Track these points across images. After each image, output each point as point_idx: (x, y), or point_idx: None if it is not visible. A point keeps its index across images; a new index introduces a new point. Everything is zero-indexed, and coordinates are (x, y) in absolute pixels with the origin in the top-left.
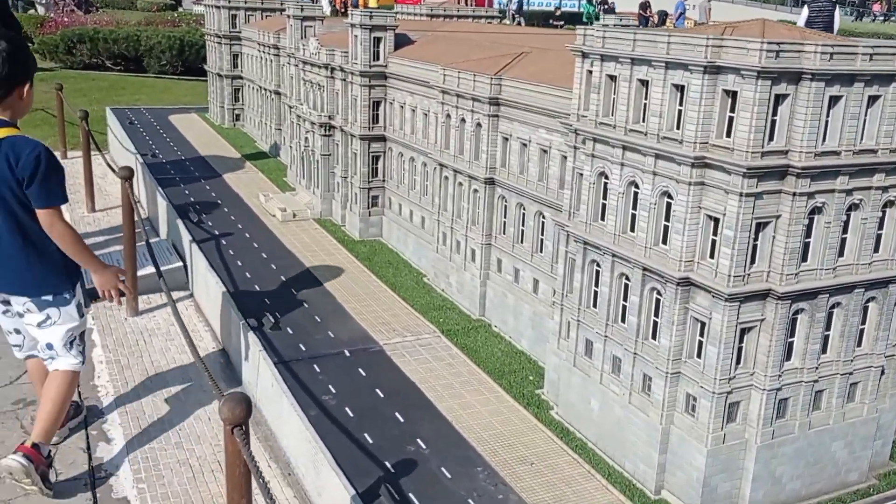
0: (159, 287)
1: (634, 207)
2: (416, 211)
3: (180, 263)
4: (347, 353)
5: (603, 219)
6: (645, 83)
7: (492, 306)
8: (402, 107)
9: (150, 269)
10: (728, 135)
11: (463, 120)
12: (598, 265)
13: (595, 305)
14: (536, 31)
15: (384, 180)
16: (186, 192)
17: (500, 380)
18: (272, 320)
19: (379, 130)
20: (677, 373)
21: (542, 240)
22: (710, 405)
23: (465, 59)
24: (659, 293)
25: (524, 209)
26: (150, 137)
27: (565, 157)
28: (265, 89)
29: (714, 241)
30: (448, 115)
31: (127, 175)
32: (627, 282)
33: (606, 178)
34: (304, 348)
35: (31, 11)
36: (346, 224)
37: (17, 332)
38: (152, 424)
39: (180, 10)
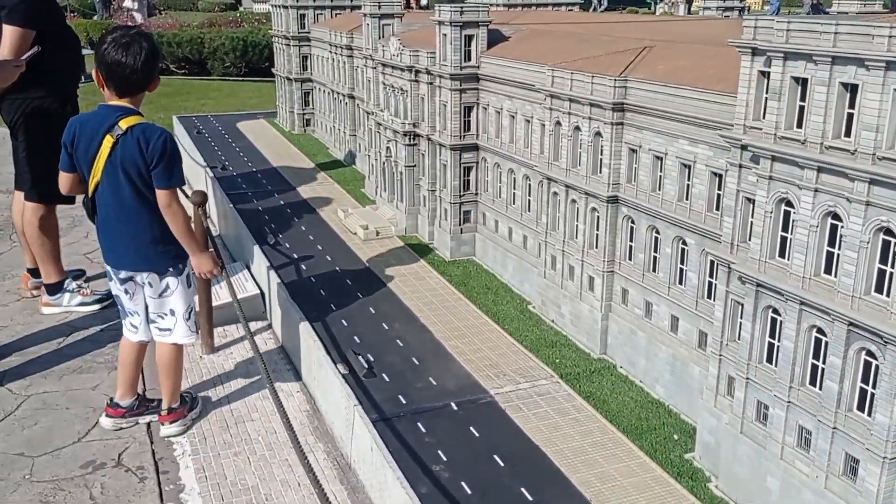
0: (235, 318)
1: (833, 245)
2: (516, 229)
3: (257, 291)
4: (455, 407)
5: (784, 256)
6: (852, 88)
7: (616, 344)
8: (498, 112)
9: (227, 299)
10: None
11: (578, 128)
12: (778, 313)
13: (772, 362)
14: (645, 20)
15: (477, 194)
16: (260, 208)
17: (640, 440)
18: (365, 365)
19: (471, 139)
20: None
21: (682, 270)
22: None
23: (574, 57)
24: (873, 356)
25: (658, 233)
26: (219, 148)
27: (717, 175)
28: (338, 93)
29: None
30: (558, 123)
31: (200, 201)
32: (822, 337)
33: (790, 206)
34: (404, 400)
35: (95, 17)
36: (434, 242)
37: (136, 313)
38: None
39: (241, 9)
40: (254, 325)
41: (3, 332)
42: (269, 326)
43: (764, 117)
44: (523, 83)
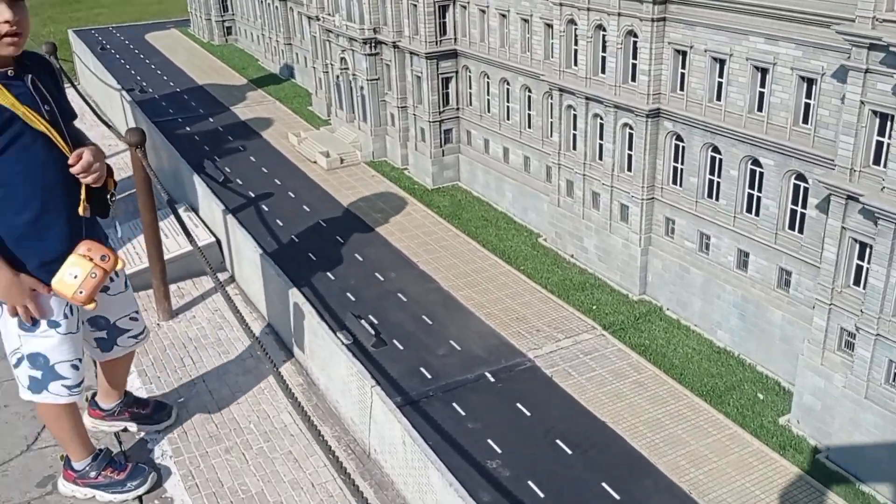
0: (188, 273)
1: None
2: (513, 149)
3: (212, 239)
4: (491, 377)
5: None
6: None
7: (660, 283)
8: (483, 12)
9: (177, 251)
10: None
11: (600, 27)
12: None
13: None
14: None
15: (458, 109)
16: (195, 136)
17: (721, 404)
18: (371, 332)
19: (449, 44)
20: None
21: (756, 197)
22: None
23: None
24: None
25: (718, 153)
26: (130, 66)
27: (807, 81)
28: None
29: None
30: (571, 22)
31: (139, 141)
32: None
33: None
34: (427, 374)
35: None
36: (409, 167)
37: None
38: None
39: None
40: (201, 282)
41: None
42: (233, 280)
43: None
44: None
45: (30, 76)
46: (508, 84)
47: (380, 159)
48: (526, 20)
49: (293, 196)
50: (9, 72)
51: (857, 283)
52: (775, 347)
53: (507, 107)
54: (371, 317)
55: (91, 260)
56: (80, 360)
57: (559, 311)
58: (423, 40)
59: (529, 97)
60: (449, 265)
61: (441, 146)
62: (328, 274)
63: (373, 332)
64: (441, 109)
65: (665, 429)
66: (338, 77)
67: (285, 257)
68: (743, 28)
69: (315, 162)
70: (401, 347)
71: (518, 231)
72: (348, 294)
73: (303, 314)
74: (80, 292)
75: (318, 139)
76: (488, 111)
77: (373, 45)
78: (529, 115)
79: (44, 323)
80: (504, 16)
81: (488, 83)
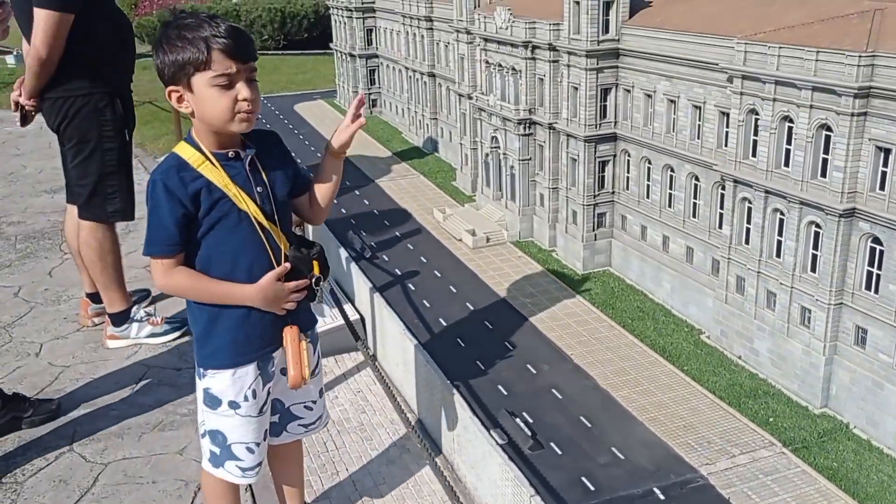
0: (330, 351)
1: None
2: (674, 237)
3: (357, 316)
4: (661, 494)
5: None
6: None
7: (846, 397)
8: (649, 97)
9: (323, 326)
10: None
11: (788, 119)
12: None
13: None
14: None
15: (614, 193)
16: (343, 209)
17: None
18: (528, 432)
19: (608, 128)
20: None
21: None
22: None
23: (761, 25)
24: None
25: None
26: (280, 136)
27: None
28: (414, 71)
29: None
30: (752, 111)
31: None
32: None
33: None
34: (590, 485)
35: None
36: (557, 249)
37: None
38: None
39: None
40: (343, 360)
41: (66, 374)
42: (374, 360)
43: None
44: (693, 60)
45: (249, 156)
46: (673, 171)
47: (526, 239)
48: (698, 107)
49: (439, 275)
50: (229, 153)
51: None
52: None
53: (669, 194)
54: (525, 415)
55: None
56: (258, 443)
57: (731, 422)
58: (581, 123)
59: (696, 186)
60: (605, 360)
61: (594, 230)
62: (478, 363)
63: (529, 432)
64: (596, 193)
65: None
66: (487, 155)
67: (433, 341)
68: None
69: (460, 240)
70: (559, 452)
71: (678, 325)
72: (500, 387)
73: (453, 405)
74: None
75: (464, 216)
76: (647, 197)
77: (527, 125)
78: (696, 204)
79: (224, 402)
80: (673, 102)
81: (649, 168)
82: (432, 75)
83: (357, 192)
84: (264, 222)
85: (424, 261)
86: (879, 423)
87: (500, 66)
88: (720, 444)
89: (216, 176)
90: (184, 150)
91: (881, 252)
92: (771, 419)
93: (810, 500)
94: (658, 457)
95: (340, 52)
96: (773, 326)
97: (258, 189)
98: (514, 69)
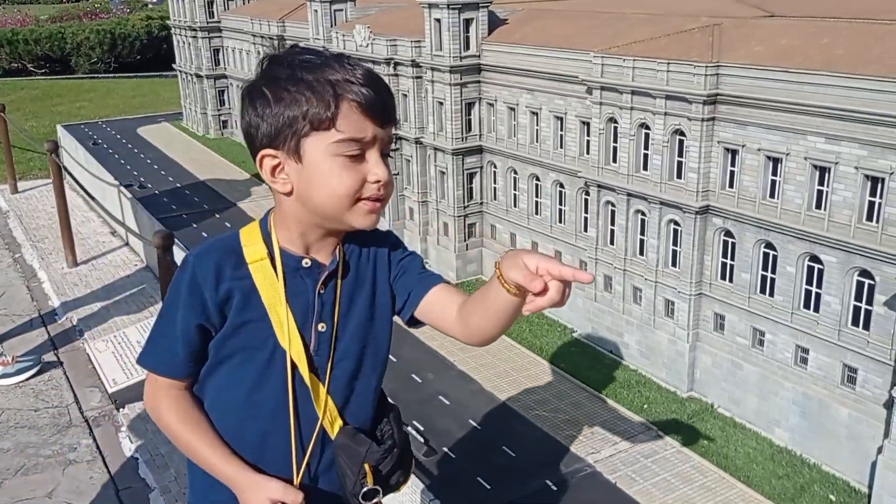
0: None
1: None
2: (542, 243)
3: None
4: (553, 486)
5: None
6: None
7: (710, 380)
8: (512, 109)
9: None
10: None
11: (645, 126)
12: None
13: None
14: None
15: (482, 203)
16: (204, 234)
17: None
18: (422, 441)
19: (474, 140)
20: None
21: (815, 293)
22: None
23: (614, 40)
24: None
25: (775, 250)
26: (125, 161)
27: (877, 180)
28: None
29: None
30: (611, 120)
31: (166, 243)
32: None
33: None
34: (487, 485)
35: None
36: (430, 261)
37: None
38: None
39: None
40: None
41: None
42: None
43: None
44: (553, 73)
45: (329, 269)
46: (539, 179)
47: None
48: (560, 118)
49: None
50: (305, 261)
51: None
52: (841, 446)
53: (536, 202)
54: (416, 423)
55: None
56: None
57: (610, 412)
58: (448, 136)
59: (562, 192)
60: (487, 364)
61: (465, 240)
62: None
63: (422, 439)
64: (465, 204)
65: None
66: None
67: None
68: (801, 128)
69: None
70: (453, 456)
71: (551, 326)
72: (389, 399)
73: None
74: None
75: None
76: (515, 206)
77: (394, 140)
78: (562, 209)
79: None
80: (535, 114)
81: (516, 178)
82: None
83: (217, 216)
84: (307, 378)
85: None
86: (740, 401)
87: None
88: (602, 434)
89: (267, 285)
90: (248, 235)
91: (733, 244)
92: (645, 406)
93: (687, 475)
94: (547, 451)
95: (185, 74)
96: (641, 320)
97: (319, 326)
98: None
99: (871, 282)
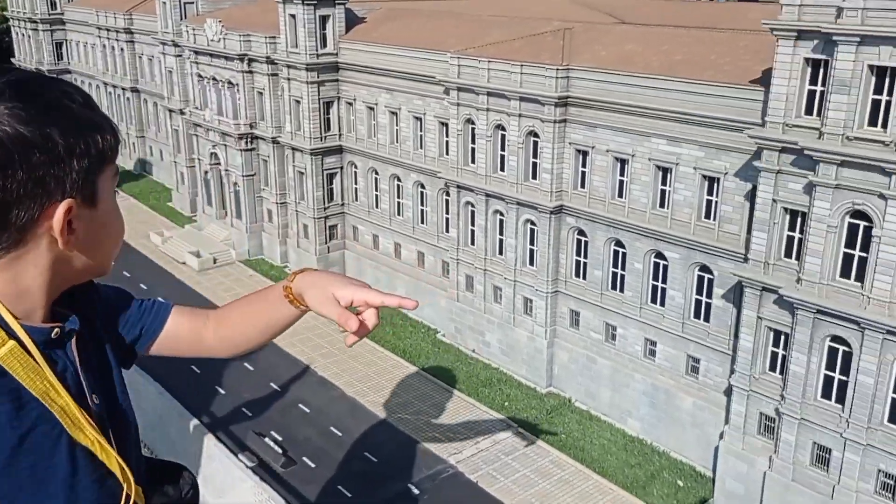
0: None
1: None
2: (405, 244)
3: None
4: (415, 489)
5: (852, 277)
6: None
7: (566, 375)
8: (371, 109)
9: None
10: None
11: (501, 127)
12: (845, 343)
13: (835, 398)
14: None
15: (344, 204)
16: None
17: (647, 497)
18: (280, 452)
19: (333, 140)
20: None
21: (661, 289)
22: None
23: (472, 41)
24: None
25: (623, 248)
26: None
27: (713, 180)
28: (115, 86)
29: None
30: (469, 121)
31: None
32: None
33: (865, 219)
34: (347, 492)
35: None
36: (290, 264)
37: None
38: None
39: None
40: None
41: None
42: None
43: (805, 113)
44: (411, 73)
45: (71, 329)
46: (400, 180)
47: (256, 257)
48: (419, 118)
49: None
50: (53, 332)
51: (773, 369)
52: (687, 434)
53: (398, 202)
54: (274, 433)
55: None
56: None
57: (471, 410)
58: (306, 136)
59: (423, 193)
60: (349, 369)
61: (326, 242)
62: (216, 387)
63: (280, 450)
64: (326, 205)
65: None
66: (206, 172)
67: (164, 372)
68: (644, 130)
69: (184, 263)
70: (312, 465)
71: (415, 327)
72: (244, 409)
73: (194, 437)
74: None
75: (186, 238)
76: (377, 207)
77: (249, 140)
78: (424, 210)
79: None
80: (395, 114)
81: (377, 179)
82: (136, 91)
83: None
84: (115, 464)
85: (145, 288)
86: (595, 395)
87: (214, 79)
88: (464, 433)
89: (30, 374)
90: None
91: (586, 243)
92: (506, 403)
93: (546, 470)
94: (409, 454)
95: (26, 69)
96: (501, 318)
97: (94, 399)
98: (230, 83)
99: (710, 276)
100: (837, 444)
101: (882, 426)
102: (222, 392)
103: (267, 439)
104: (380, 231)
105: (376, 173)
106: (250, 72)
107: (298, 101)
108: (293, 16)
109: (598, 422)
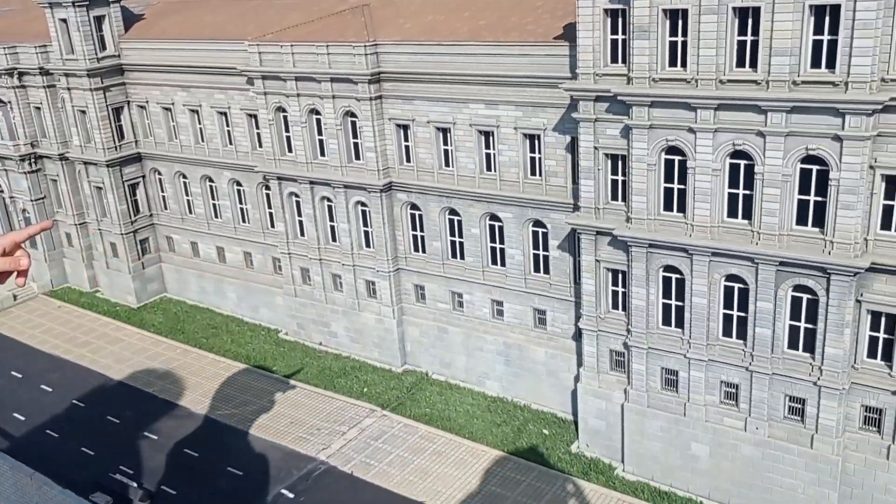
0: None
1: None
2: (229, 247)
3: None
4: (288, 493)
5: (675, 209)
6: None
7: (420, 350)
8: (167, 110)
9: None
10: None
11: (315, 112)
12: (677, 271)
13: (675, 323)
14: None
15: (153, 215)
16: None
17: (518, 452)
18: (135, 485)
19: (130, 148)
20: None
21: (500, 249)
22: None
23: (268, 27)
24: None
25: (458, 216)
26: None
27: (534, 137)
28: None
29: None
30: (280, 109)
31: None
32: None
33: (679, 153)
34: None
35: None
36: (102, 288)
37: None
38: None
39: None
40: None
41: None
42: None
43: (623, 61)
44: (208, 67)
45: None
46: (212, 181)
47: (61, 286)
48: (224, 113)
49: None
50: None
51: (615, 307)
52: (543, 383)
53: (214, 204)
54: (124, 468)
55: None
56: None
57: (331, 403)
58: (99, 147)
59: (240, 191)
60: (194, 385)
61: (139, 258)
62: (50, 433)
63: (135, 483)
64: (133, 219)
65: (480, 492)
66: None
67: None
68: (463, 97)
69: None
70: (173, 492)
71: (254, 331)
72: (84, 450)
73: (37, 487)
74: None
75: None
76: (191, 212)
77: (32, 160)
78: (244, 209)
79: None
80: (195, 112)
81: (186, 183)
82: None
83: None
84: None
85: None
86: (451, 364)
87: None
88: (329, 427)
89: None
90: None
91: (420, 216)
92: (365, 390)
93: (418, 446)
94: (276, 459)
95: None
96: (345, 305)
97: None
98: (0, 101)
99: (544, 230)
100: (683, 365)
101: (718, 341)
102: (55, 436)
103: (118, 475)
104: (198, 237)
105: (185, 177)
106: (23, 86)
107: (84, 111)
108: (64, 20)
109: (459, 389)
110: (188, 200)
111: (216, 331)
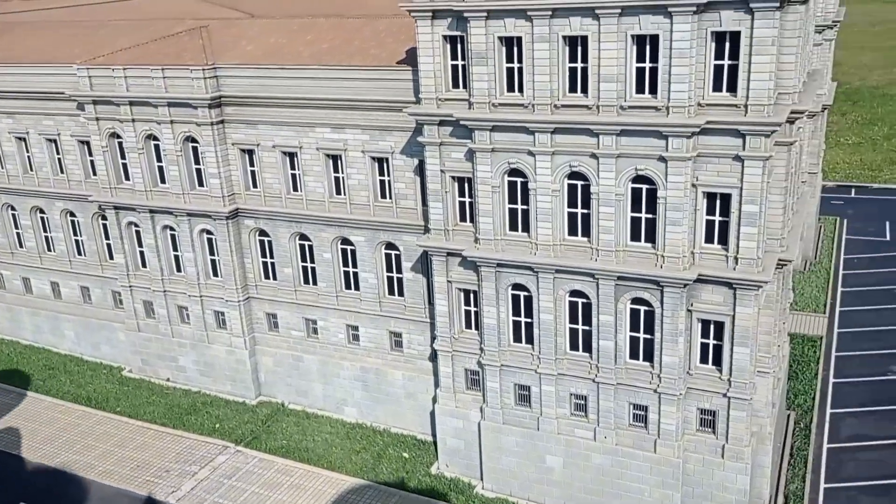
0: None
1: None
2: (64, 281)
3: None
4: None
5: (519, 229)
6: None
7: (275, 380)
8: None
9: None
10: None
11: (153, 137)
12: (525, 289)
13: (525, 340)
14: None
15: None
16: None
17: (375, 476)
18: None
19: None
20: None
21: (353, 273)
22: None
23: (95, 50)
24: (644, 302)
25: (308, 240)
26: None
27: (382, 161)
28: None
29: None
30: (114, 135)
31: None
32: (578, 300)
33: (523, 176)
34: None
35: None
36: None
37: None
38: None
39: None
40: None
41: None
42: None
43: (464, 86)
44: (34, 92)
45: None
46: (43, 212)
47: None
48: (53, 140)
49: None
50: None
51: (469, 326)
52: (402, 406)
53: (46, 237)
54: None
55: None
56: None
57: (181, 443)
58: None
59: (75, 222)
60: (28, 432)
61: None
62: None
63: None
64: None
65: None
66: None
67: None
68: (310, 121)
69: None
70: None
71: (95, 370)
72: None
73: None
74: None
75: None
76: (21, 246)
77: None
78: (79, 241)
79: None
80: (22, 139)
81: (15, 215)
82: None
83: None
84: None
85: None
86: (307, 392)
87: None
88: (179, 468)
89: None
90: None
91: (269, 242)
92: (217, 425)
93: (274, 481)
94: None
95: None
96: (193, 338)
97: None
98: None
99: (397, 252)
100: (534, 381)
101: (566, 355)
102: None
103: None
104: (30, 272)
105: (13, 209)
106: None
107: None
108: None
109: (316, 418)
110: (17, 234)
111: (53, 372)
